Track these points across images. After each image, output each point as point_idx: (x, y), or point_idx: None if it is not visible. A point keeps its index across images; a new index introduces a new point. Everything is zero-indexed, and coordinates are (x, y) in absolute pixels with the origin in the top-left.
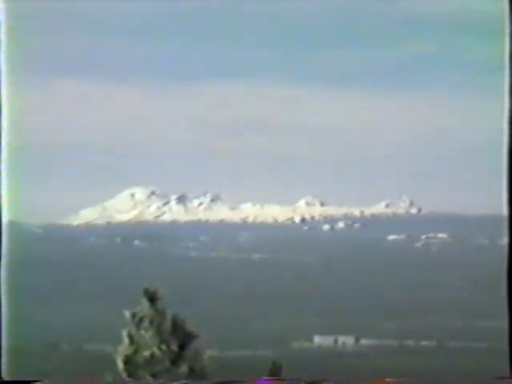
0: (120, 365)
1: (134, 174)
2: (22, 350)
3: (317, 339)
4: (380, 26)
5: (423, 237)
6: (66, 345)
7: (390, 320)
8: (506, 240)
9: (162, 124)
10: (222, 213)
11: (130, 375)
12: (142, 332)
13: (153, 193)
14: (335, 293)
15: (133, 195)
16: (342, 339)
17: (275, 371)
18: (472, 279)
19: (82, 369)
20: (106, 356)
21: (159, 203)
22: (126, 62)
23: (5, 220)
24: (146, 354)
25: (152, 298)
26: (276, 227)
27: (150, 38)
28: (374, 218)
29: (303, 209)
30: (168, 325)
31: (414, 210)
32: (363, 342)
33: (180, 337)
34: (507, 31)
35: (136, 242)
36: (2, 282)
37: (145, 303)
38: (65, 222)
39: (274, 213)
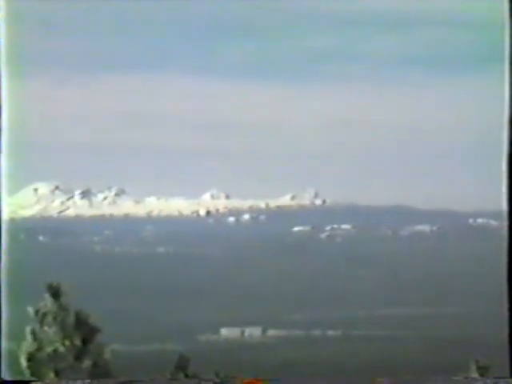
0: (23, 362)
1: (36, 169)
2: None
3: (224, 331)
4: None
5: (328, 228)
6: None
7: (297, 311)
8: (407, 230)
9: (63, 118)
10: (126, 207)
11: (33, 372)
12: (46, 328)
13: (56, 188)
14: (242, 285)
15: (36, 190)
16: (248, 331)
17: (182, 364)
18: (374, 268)
19: None
20: (10, 353)
21: (63, 198)
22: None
23: None
24: (50, 350)
25: (55, 294)
26: (181, 221)
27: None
28: (280, 209)
29: (208, 202)
30: (71, 320)
31: (318, 202)
32: (270, 332)
33: (83, 332)
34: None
35: (40, 238)
36: None
37: (48, 299)
38: None
39: (178, 206)
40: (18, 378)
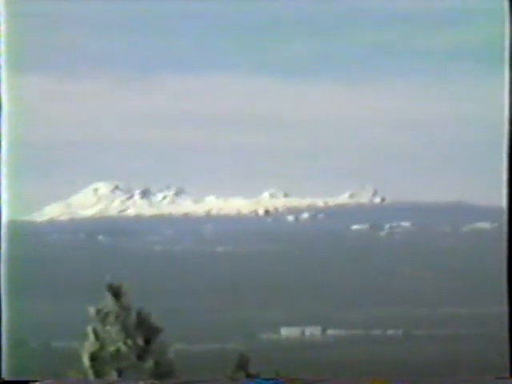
0: (86, 361)
1: (97, 169)
2: None
3: (283, 331)
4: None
5: (387, 226)
6: (34, 342)
7: (356, 310)
8: (468, 227)
9: (124, 118)
10: (186, 206)
11: (95, 371)
12: (108, 328)
13: (116, 187)
14: (300, 284)
15: (96, 190)
16: (308, 330)
17: (243, 363)
18: (434, 267)
19: (49, 366)
20: (73, 353)
21: (123, 198)
22: (84, 54)
23: None
24: (112, 349)
25: (116, 294)
26: (240, 220)
27: (109, 30)
28: (338, 208)
29: (267, 201)
30: (133, 320)
31: (377, 200)
32: (329, 332)
33: (145, 331)
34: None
35: (100, 237)
36: None
37: (109, 299)
38: (28, 218)
39: (237, 205)
40: (79, 376)
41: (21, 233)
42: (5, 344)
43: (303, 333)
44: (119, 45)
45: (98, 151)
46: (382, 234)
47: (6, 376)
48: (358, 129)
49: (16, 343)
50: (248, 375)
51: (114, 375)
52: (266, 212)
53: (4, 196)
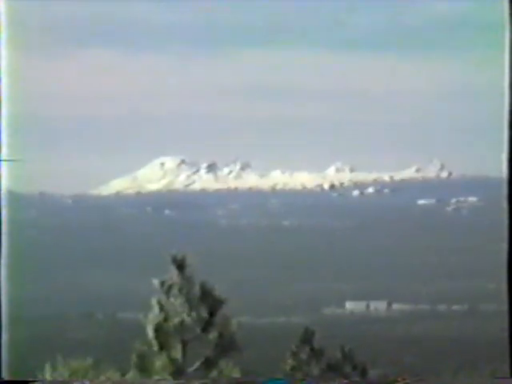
0: (150, 333)
1: (163, 144)
2: (60, 317)
3: (348, 305)
4: None
5: (453, 201)
6: (101, 314)
7: (422, 284)
8: None
9: (189, 92)
10: (251, 180)
11: (160, 343)
12: (172, 300)
13: (182, 162)
14: (366, 258)
15: (163, 164)
16: (373, 304)
17: (307, 337)
18: (501, 242)
19: (115, 337)
20: (138, 324)
21: (189, 172)
22: (148, 27)
23: (36, 191)
24: (176, 321)
25: (180, 266)
26: (305, 194)
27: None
28: (404, 182)
29: (332, 175)
30: (196, 292)
31: (444, 174)
32: (395, 306)
33: (209, 303)
34: None
35: (166, 211)
36: (35, 249)
37: (173, 271)
38: (95, 192)
39: (303, 180)
40: (144, 347)
41: (88, 206)
42: (74, 315)
43: (368, 307)
44: (188, 18)
45: (164, 126)
46: (449, 209)
47: (5, 376)
48: (424, 102)
49: (83, 315)
50: (312, 349)
51: (178, 347)
52: (332, 186)
53: (70, 170)
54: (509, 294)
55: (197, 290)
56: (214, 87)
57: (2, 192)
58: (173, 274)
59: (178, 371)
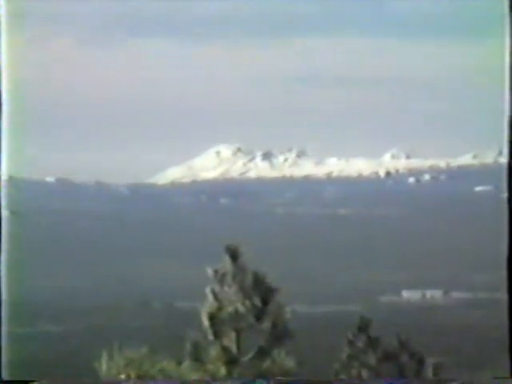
0: (205, 322)
1: (219, 132)
2: (116, 307)
3: (405, 293)
4: None
5: None
6: (157, 303)
7: (479, 273)
8: None
9: (244, 81)
10: (307, 168)
11: (214, 332)
12: (226, 288)
13: (238, 150)
14: (423, 246)
15: (218, 153)
16: (430, 293)
17: (364, 326)
18: None
19: (172, 326)
20: (194, 314)
21: (244, 160)
22: (201, 17)
23: (93, 180)
24: (230, 310)
25: (234, 255)
26: (361, 181)
27: None
28: (461, 169)
29: (388, 162)
30: (250, 281)
31: (503, 160)
32: (452, 295)
33: (262, 292)
34: None
35: (222, 200)
36: (91, 238)
37: (227, 259)
38: (151, 181)
39: (358, 167)
40: (199, 335)
41: (144, 195)
42: (129, 305)
43: (424, 296)
44: (238, 8)
45: (219, 114)
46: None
47: (5, 376)
48: (481, 87)
49: (140, 305)
50: (369, 338)
51: (231, 336)
52: (387, 173)
53: (126, 159)
54: (509, 295)
55: (249, 278)
56: (269, 76)
57: (56, 180)
58: (226, 263)
59: (231, 360)
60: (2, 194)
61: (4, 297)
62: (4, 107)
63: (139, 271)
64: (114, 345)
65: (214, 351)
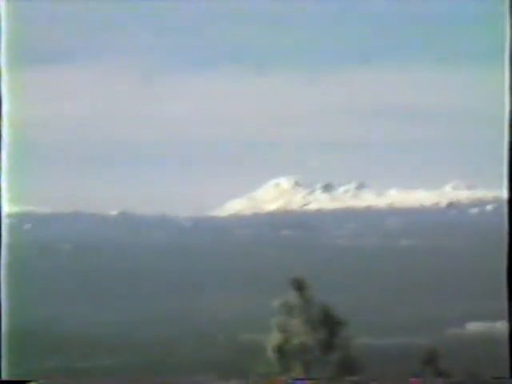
0: (271, 354)
1: (278, 164)
2: (177, 340)
3: (470, 325)
4: None
5: None
6: (221, 335)
7: None
8: None
9: (303, 113)
10: (368, 199)
11: (281, 364)
12: (292, 321)
13: (297, 182)
14: (488, 277)
15: (278, 185)
16: (495, 325)
17: (431, 358)
18: None
19: (236, 360)
20: (258, 346)
21: (304, 192)
22: (255, 51)
23: (157, 213)
24: (297, 342)
25: (300, 287)
26: (422, 212)
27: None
28: None
29: (450, 193)
30: (316, 313)
31: None
32: None
33: (329, 325)
34: None
35: (283, 232)
36: (156, 271)
37: (293, 292)
38: (213, 213)
39: (420, 198)
40: (266, 370)
41: (206, 227)
42: (193, 339)
43: (490, 328)
44: (288, 42)
45: (278, 147)
46: None
47: (5, 376)
48: None
49: (204, 336)
50: (436, 370)
51: (299, 368)
52: (449, 204)
53: (188, 192)
54: (509, 294)
55: (316, 311)
56: (328, 108)
57: (119, 213)
58: (292, 296)
59: None
60: (66, 228)
61: (64, 330)
62: (68, 143)
63: (202, 303)
64: (186, 376)
65: None
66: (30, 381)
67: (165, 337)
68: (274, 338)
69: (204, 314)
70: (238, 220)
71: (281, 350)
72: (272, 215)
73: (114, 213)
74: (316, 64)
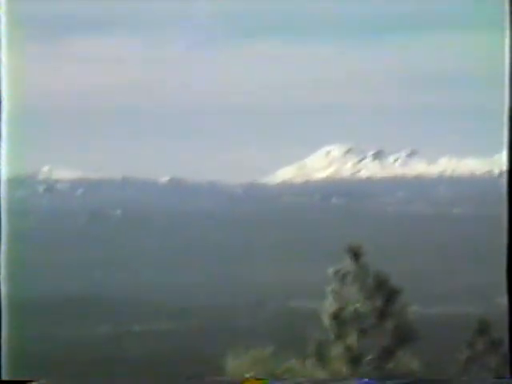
0: (326, 321)
1: (329, 132)
2: (229, 308)
3: None
4: None
5: None
6: (272, 302)
7: None
8: None
9: (356, 80)
10: (418, 168)
11: (336, 332)
12: (347, 288)
13: (349, 150)
14: None
15: (329, 152)
16: None
17: (483, 328)
18: None
19: (288, 325)
20: (310, 313)
21: (355, 160)
22: (305, 16)
23: (206, 180)
24: (351, 310)
25: (356, 254)
26: (474, 181)
27: None
28: None
29: (502, 161)
30: (371, 280)
31: None
32: None
33: (384, 293)
34: None
35: (333, 200)
36: (206, 239)
37: (348, 259)
38: (263, 181)
39: (471, 166)
40: (321, 335)
41: (255, 195)
42: (243, 305)
43: None
44: (339, 6)
45: (330, 114)
46: None
47: (5, 376)
48: None
49: (254, 304)
50: (490, 340)
51: (354, 336)
52: (502, 173)
53: (240, 159)
54: (508, 293)
55: (371, 279)
56: (381, 75)
57: (169, 180)
58: (347, 263)
59: (354, 360)
60: (117, 194)
61: (115, 295)
62: (121, 110)
63: (253, 270)
64: (236, 344)
65: (336, 351)
66: (30, 381)
67: (217, 304)
68: (330, 306)
69: (255, 282)
70: (288, 188)
71: (336, 317)
72: (323, 183)
73: (164, 179)
74: (369, 29)
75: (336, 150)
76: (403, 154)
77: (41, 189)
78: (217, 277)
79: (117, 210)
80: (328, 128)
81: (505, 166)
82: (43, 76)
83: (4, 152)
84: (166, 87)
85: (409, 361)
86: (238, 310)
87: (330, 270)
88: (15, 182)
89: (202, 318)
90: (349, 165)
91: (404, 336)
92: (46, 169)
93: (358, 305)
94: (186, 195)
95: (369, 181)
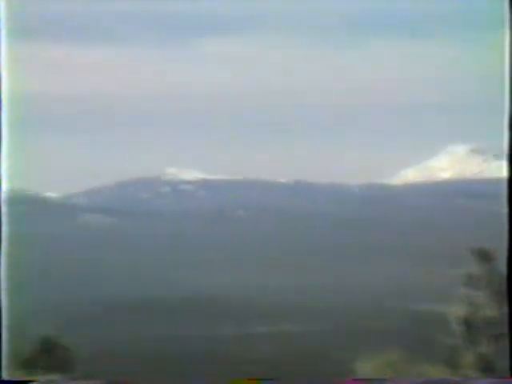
0: (456, 326)
1: (453, 132)
2: (354, 308)
3: None
4: None
5: None
6: (393, 304)
7: None
8: None
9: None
10: None
11: (466, 337)
12: (478, 293)
13: (473, 150)
14: None
15: (452, 153)
16: None
17: None
18: None
19: (411, 329)
20: (434, 316)
21: (479, 160)
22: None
23: (327, 180)
24: (483, 315)
25: (486, 258)
26: None
27: None
28: None
29: None
30: (503, 286)
31: None
32: None
33: None
34: None
35: (457, 200)
36: (326, 242)
37: (475, 263)
38: (384, 181)
39: None
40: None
41: (377, 196)
42: (369, 309)
43: None
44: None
45: (452, 114)
46: None
47: (5, 376)
48: None
49: (376, 306)
50: None
51: (485, 342)
52: None
53: (357, 160)
54: (508, 294)
55: (502, 283)
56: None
57: (294, 181)
58: (476, 267)
59: (487, 368)
60: (238, 196)
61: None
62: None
63: (372, 272)
64: (369, 347)
65: (469, 357)
66: (30, 381)
67: (341, 306)
68: (459, 310)
69: (379, 284)
70: (409, 188)
71: (467, 323)
72: (445, 183)
73: (283, 180)
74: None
75: (460, 150)
76: None
77: (165, 190)
78: (340, 278)
79: (241, 211)
80: (452, 127)
81: None
82: (179, 77)
83: (127, 154)
84: (299, 89)
85: None
86: (362, 312)
87: (460, 273)
88: (140, 184)
89: (326, 318)
90: (473, 165)
91: None
92: (171, 170)
93: (488, 310)
94: (306, 196)
95: (493, 181)
